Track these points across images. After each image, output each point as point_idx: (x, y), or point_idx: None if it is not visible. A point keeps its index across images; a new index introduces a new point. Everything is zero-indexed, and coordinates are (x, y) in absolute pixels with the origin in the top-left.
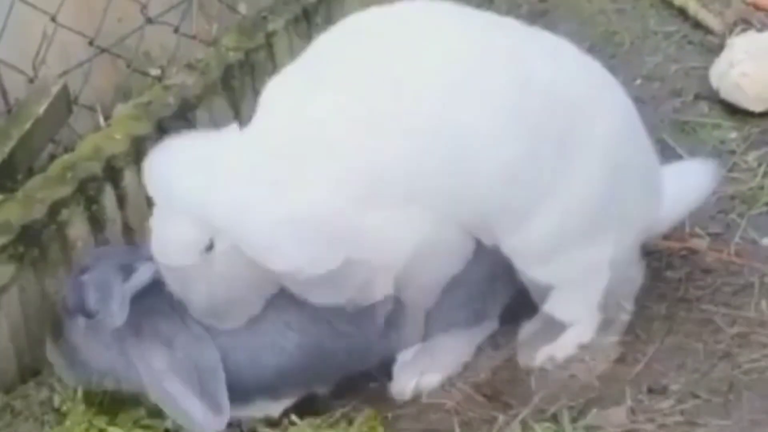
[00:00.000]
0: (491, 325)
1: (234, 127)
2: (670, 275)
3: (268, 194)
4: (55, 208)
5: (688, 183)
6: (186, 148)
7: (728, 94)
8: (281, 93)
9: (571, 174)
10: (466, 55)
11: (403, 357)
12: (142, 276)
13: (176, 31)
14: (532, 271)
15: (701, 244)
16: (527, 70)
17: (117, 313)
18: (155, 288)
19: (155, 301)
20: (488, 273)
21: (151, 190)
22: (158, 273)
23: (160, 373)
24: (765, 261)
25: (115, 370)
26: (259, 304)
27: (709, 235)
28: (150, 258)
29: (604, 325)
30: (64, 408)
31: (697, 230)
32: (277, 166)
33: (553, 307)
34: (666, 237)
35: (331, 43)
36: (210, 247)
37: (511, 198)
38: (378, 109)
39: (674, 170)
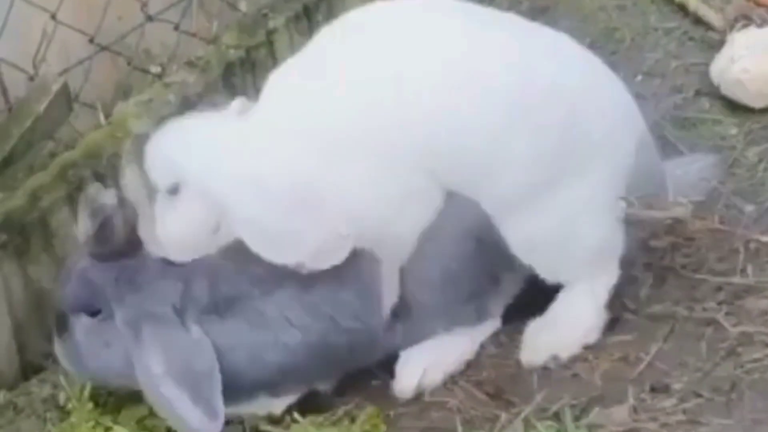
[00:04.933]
0: (494, 324)
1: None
2: (655, 244)
3: (237, 146)
4: (56, 206)
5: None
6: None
7: (729, 90)
8: (281, 83)
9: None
10: (465, 51)
11: (406, 355)
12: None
13: (176, 28)
14: (509, 222)
15: (685, 212)
16: (528, 66)
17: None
18: (155, 293)
19: (154, 306)
20: (491, 271)
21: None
22: (160, 277)
23: (157, 377)
24: (748, 227)
25: (115, 369)
26: (213, 249)
27: (692, 203)
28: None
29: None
30: (69, 406)
31: (680, 199)
32: (246, 137)
33: (540, 268)
34: (649, 206)
35: (331, 37)
36: (174, 191)
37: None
38: (376, 103)
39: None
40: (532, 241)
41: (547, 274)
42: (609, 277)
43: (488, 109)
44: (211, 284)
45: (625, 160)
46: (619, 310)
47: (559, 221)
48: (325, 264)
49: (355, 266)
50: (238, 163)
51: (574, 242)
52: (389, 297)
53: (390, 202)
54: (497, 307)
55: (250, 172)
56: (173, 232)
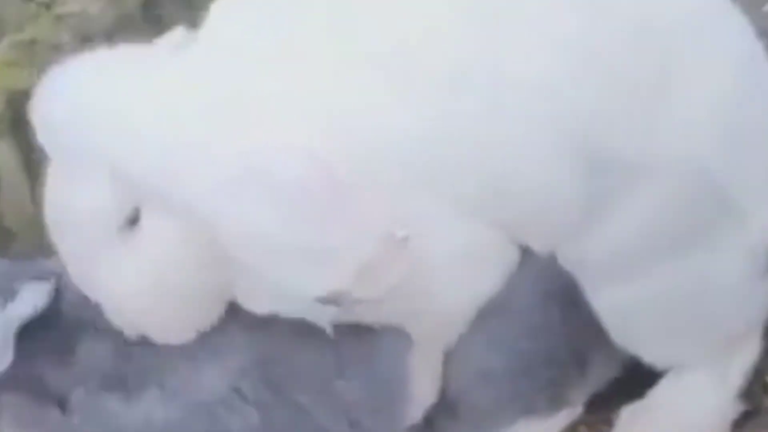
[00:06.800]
0: (573, 413)
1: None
2: None
3: (215, 138)
4: None
5: None
6: (98, 69)
7: None
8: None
9: (663, 143)
10: None
11: None
12: (29, 300)
13: None
14: (603, 292)
15: None
16: None
17: None
18: None
19: None
20: (577, 350)
21: (43, 137)
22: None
23: None
24: None
25: None
26: (210, 311)
27: None
28: (39, 276)
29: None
30: None
31: None
32: (227, 104)
33: (645, 352)
34: None
35: None
36: (134, 220)
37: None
38: (373, 52)
39: None
40: (634, 318)
41: (656, 360)
42: (746, 355)
43: None
44: None
45: None
46: (759, 396)
47: (677, 293)
48: (379, 288)
49: (369, 346)
50: (222, 148)
51: (699, 320)
52: (424, 397)
53: (437, 261)
54: (580, 396)
55: (231, 171)
56: (139, 284)
